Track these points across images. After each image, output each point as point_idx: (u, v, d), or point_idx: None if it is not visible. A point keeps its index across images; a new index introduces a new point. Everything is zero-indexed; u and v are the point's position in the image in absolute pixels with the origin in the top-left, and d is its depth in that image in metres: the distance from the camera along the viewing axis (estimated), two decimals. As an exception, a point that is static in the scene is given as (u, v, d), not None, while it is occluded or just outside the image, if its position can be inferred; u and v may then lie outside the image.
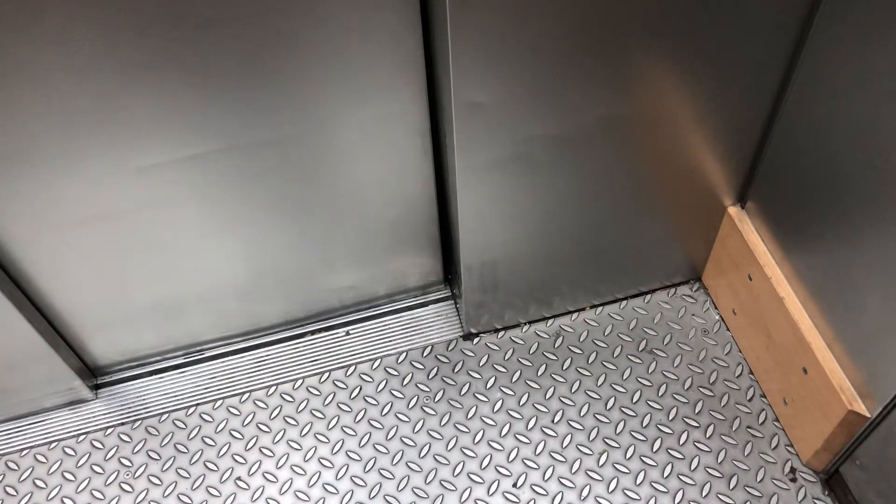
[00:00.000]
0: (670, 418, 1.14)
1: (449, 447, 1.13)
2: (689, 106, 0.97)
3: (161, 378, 1.22)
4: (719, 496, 1.07)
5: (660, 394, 1.16)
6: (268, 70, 0.88)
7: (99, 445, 1.16)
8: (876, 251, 0.87)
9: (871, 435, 0.95)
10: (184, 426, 1.17)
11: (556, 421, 1.15)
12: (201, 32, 0.82)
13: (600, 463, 1.11)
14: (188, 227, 1.04)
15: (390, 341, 1.24)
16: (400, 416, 1.16)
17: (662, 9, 0.85)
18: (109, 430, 1.17)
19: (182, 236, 1.05)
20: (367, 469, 1.12)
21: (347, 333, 1.25)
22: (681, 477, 1.09)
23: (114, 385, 1.22)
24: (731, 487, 1.07)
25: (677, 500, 1.07)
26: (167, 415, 1.18)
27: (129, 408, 1.19)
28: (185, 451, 1.15)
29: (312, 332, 1.25)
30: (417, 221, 1.14)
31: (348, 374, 1.21)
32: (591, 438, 1.13)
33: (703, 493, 1.07)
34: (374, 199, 1.09)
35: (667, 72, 0.92)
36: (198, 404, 1.19)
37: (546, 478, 1.10)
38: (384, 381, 1.20)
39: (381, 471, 1.11)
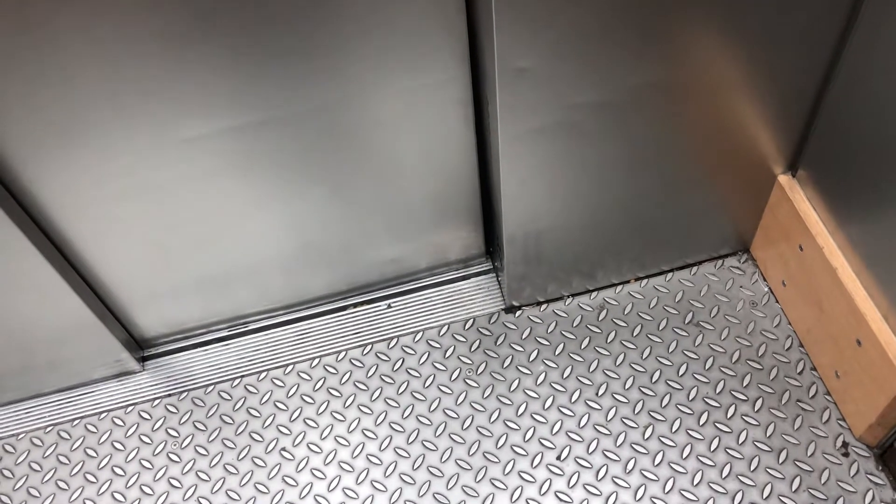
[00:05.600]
0: (717, 391, 1.12)
1: (492, 419, 1.13)
2: (740, 71, 0.94)
3: (206, 350, 1.23)
4: (768, 470, 1.05)
5: (707, 367, 1.14)
6: (308, 39, 0.88)
7: (147, 416, 1.18)
8: (936, 218, 0.84)
9: (928, 408, 0.93)
10: (229, 397, 1.18)
11: (600, 394, 1.13)
12: (242, 2, 0.82)
13: (646, 437, 1.09)
14: (232, 199, 1.05)
15: (432, 314, 1.23)
16: (442, 388, 1.16)
17: (713, -32, 0.82)
18: (157, 402, 1.19)
19: (226, 208, 1.06)
20: (410, 441, 1.12)
21: (389, 306, 1.25)
22: (728, 451, 1.07)
23: (160, 357, 1.24)
24: (780, 462, 1.05)
25: (725, 475, 1.05)
26: (213, 386, 1.20)
27: (176, 380, 1.21)
28: (231, 422, 1.16)
29: (355, 305, 1.25)
30: (459, 193, 1.13)
31: (391, 346, 1.21)
32: (636, 412, 1.11)
33: (752, 468, 1.05)
34: (416, 170, 1.08)
35: (717, 35, 0.89)
36: (243, 376, 1.20)
37: (590, 451, 1.09)
38: (426, 354, 1.19)
39: (425, 442, 1.11)
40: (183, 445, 1.15)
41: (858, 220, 0.98)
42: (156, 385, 1.21)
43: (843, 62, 0.93)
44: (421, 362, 1.19)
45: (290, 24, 0.86)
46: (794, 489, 1.03)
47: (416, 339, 1.21)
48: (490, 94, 0.91)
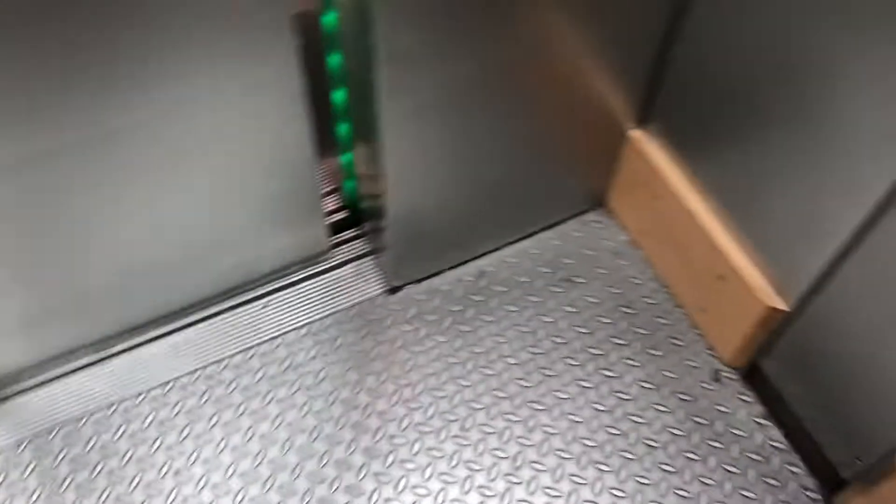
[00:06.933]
0: (598, 340, 1.18)
1: (392, 403, 1.12)
2: (584, 35, 0.98)
3: (67, 382, 1.12)
4: (654, 406, 1.13)
5: (584, 319, 1.20)
6: (111, 46, 0.79)
7: (15, 463, 1.06)
8: (781, 159, 0.93)
9: (786, 328, 1.03)
10: (108, 426, 1.09)
11: (491, 360, 1.16)
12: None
13: (540, 393, 1.13)
14: (54, 225, 0.95)
15: (313, 307, 1.20)
16: (336, 380, 1.14)
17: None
18: (22, 445, 1.07)
19: (51, 234, 0.96)
20: (313, 439, 1.09)
21: (266, 306, 1.20)
22: (617, 394, 1.14)
23: (15, 397, 1.11)
24: (663, 397, 1.13)
25: (617, 416, 1.12)
26: (87, 416, 1.09)
27: (42, 418, 1.09)
28: (116, 452, 1.07)
29: (227, 310, 1.19)
30: (307, 187, 1.10)
31: (275, 346, 1.16)
32: (527, 371, 1.15)
33: (640, 406, 1.13)
34: (256, 168, 1.03)
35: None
36: (121, 401, 1.11)
37: (491, 416, 1.11)
38: (315, 348, 1.16)
39: (329, 437, 1.09)
40: (62, 489, 1.05)
41: (710, 165, 1.06)
42: (19, 426, 1.09)
43: (688, 15, 0.99)
44: (310, 357, 1.16)
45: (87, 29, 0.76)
46: (679, 420, 1.12)
47: (301, 335, 1.17)
48: (370, 77, 0.89)
